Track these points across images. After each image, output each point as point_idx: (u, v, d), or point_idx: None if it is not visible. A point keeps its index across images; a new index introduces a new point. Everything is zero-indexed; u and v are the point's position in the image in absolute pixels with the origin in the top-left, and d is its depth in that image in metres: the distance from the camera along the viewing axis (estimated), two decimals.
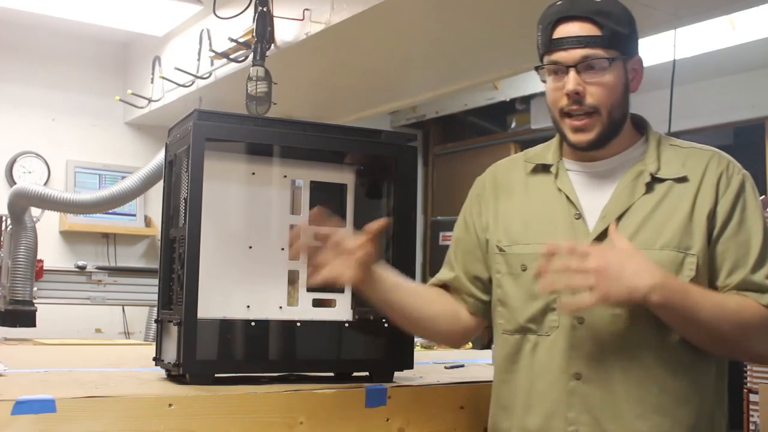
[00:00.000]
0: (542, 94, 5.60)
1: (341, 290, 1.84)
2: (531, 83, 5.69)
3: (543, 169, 1.69)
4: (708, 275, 1.55)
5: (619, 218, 1.56)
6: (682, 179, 1.58)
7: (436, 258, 5.42)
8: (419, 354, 2.44)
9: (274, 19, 3.84)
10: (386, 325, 1.83)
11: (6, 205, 4.15)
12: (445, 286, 1.78)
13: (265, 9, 3.78)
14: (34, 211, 4.30)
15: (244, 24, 3.92)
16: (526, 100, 6.13)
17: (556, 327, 1.58)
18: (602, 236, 1.56)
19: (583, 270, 1.43)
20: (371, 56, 4.17)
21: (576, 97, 1.56)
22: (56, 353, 2.61)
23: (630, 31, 1.58)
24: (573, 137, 1.59)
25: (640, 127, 1.67)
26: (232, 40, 4.07)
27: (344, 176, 1.88)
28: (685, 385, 1.53)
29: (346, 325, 1.83)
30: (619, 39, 1.56)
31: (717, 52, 4.33)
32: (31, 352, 2.75)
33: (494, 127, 6.87)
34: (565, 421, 1.55)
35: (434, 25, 3.67)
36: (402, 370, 1.84)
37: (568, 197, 1.62)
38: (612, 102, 1.57)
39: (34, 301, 4.23)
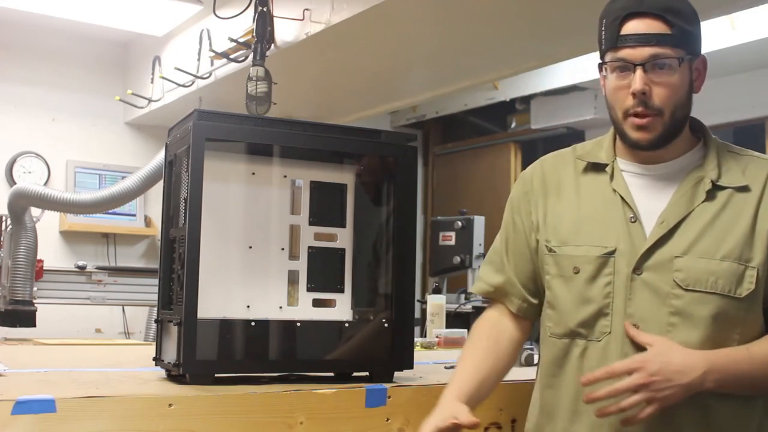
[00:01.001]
0: (542, 94, 5.60)
1: (341, 290, 1.84)
2: (531, 83, 5.69)
3: (595, 168, 1.63)
4: (761, 289, 1.51)
5: (678, 225, 1.52)
6: (744, 188, 1.53)
7: (436, 258, 5.42)
8: (419, 354, 2.44)
9: (274, 19, 3.84)
10: (386, 325, 1.83)
11: (6, 205, 4.15)
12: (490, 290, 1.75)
13: (265, 9, 3.78)
14: (34, 211, 4.30)
15: (244, 24, 3.93)
16: (526, 100, 6.14)
17: (608, 333, 1.54)
18: (660, 242, 1.51)
19: (632, 388, 1.41)
20: (371, 56, 4.17)
21: (642, 97, 1.50)
22: (56, 353, 2.61)
23: (696, 29, 1.53)
24: (635, 134, 1.53)
25: (697, 131, 1.62)
26: (232, 40, 4.07)
27: (344, 176, 1.88)
28: (736, 400, 1.49)
29: (346, 325, 1.83)
30: (687, 38, 1.51)
31: (717, 52, 4.34)
32: (31, 352, 2.75)
33: (494, 127, 6.87)
34: (613, 430, 1.51)
35: (434, 25, 3.67)
36: (402, 370, 1.83)
37: (623, 199, 1.57)
38: (676, 103, 1.51)
39: (34, 301, 4.23)
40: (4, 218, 4.28)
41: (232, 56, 4.23)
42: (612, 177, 1.60)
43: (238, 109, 3.54)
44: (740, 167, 1.56)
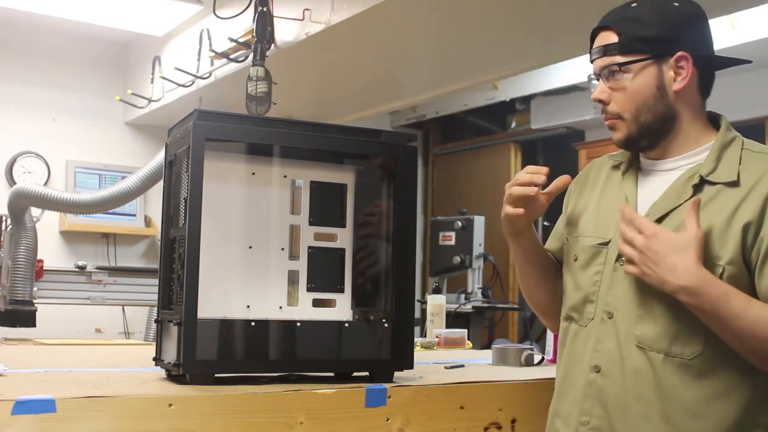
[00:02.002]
0: (542, 94, 5.62)
1: (341, 290, 1.84)
2: (531, 83, 5.69)
3: (617, 166, 1.72)
4: (744, 289, 1.48)
5: (661, 219, 1.55)
6: (733, 184, 1.52)
7: (436, 258, 5.42)
8: (419, 354, 2.44)
9: (274, 19, 3.85)
10: (386, 325, 1.83)
11: (6, 205, 4.15)
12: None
13: (265, 9, 3.78)
14: (34, 211, 4.30)
15: (244, 24, 3.93)
16: (526, 100, 6.14)
17: (592, 319, 1.62)
18: None
19: (631, 243, 1.50)
20: (371, 56, 4.17)
21: (601, 104, 1.62)
22: (56, 353, 2.61)
23: (665, 30, 1.56)
24: (612, 136, 1.65)
25: (718, 126, 1.64)
26: (232, 40, 4.07)
27: (344, 176, 1.88)
28: (699, 399, 1.48)
29: (346, 325, 1.82)
30: (642, 42, 1.56)
31: (717, 52, 4.33)
32: (31, 352, 2.75)
33: (494, 127, 6.88)
34: (580, 411, 1.60)
35: (434, 25, 3.67)
36: (402, 370, 1.83)
37: (627, 194, 1.64)
38: (637, 106, 1.57)
39: (34, 301, 4.23)
40: (4, 218, 4.28)
41: (232, 56, 4.24)
42: (624, 173, 1.68)
43: (238, 109, 3.55)
44: (742, 163, 1.55)
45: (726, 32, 4.38)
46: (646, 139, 1.60)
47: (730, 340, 1.46)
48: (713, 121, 1.65)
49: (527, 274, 1.81)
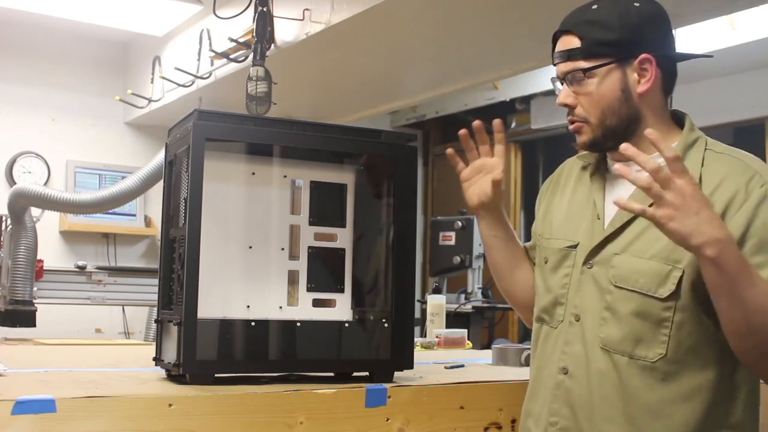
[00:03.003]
0: (542, 94, 5.61)
1: (341, 290, 1.84)
2: (531, 83, 5.69)
3: (586, 167, 1.71)
4: (703, 294, 1.45)
5: (628, 223, 1.54)
6: None
7: (436, 258, 5.42)
8: (419, 354, 2.44)
9: (274, 19, 3.85)
10: (386, 325, 1.83)
11: (6, 205, 4.15)
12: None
13: (265, 9, 3.78)
14: (34, 211, 4.30)
15: (244, 24, 3.93)
16: (526, 100, 6.13)
17: (561, 321, 1.63)
18: (609, 239, 1.56)
19: (667, 185, 1.33)
20: (371, 56, 4.17)
21: (566, 108, 1.61)
22: (56, 353, 2.61)
23: (627, 33, 1.55)
24: (576, 138, 1.63)
25: (683, 125, 1.62)
26: (232, 40, 4.07)
27: (344, 176, 1.88)
28: (663, 401, 1.49)
29: (346, 325, 1.83)
30: (605, 46, 1.55)
31: (717, 52, 4.34)
32: (31, 352, 2.75)
33: None
34: (549, 411, 1.61)
35: (434, 25, 3.67)
36: (402, 370, 1.84)
37: (594, 199, 1.64)
38: (602, 110, 1.57)
39: (34, 301, 4.23)
40: (4, 218, 4.28)
41: (232, 56, 4.24)
42: (592, 175, 1.68)
43: (238, 109, 3.55)
44: (704, 165, 1.53)
45: (726, 32, 4.38)
46: (611, 141, 1.59)
47: (736, 312, 1.39)
48: (678, 119, 1.64)
49: (493, 259, 1.81)
